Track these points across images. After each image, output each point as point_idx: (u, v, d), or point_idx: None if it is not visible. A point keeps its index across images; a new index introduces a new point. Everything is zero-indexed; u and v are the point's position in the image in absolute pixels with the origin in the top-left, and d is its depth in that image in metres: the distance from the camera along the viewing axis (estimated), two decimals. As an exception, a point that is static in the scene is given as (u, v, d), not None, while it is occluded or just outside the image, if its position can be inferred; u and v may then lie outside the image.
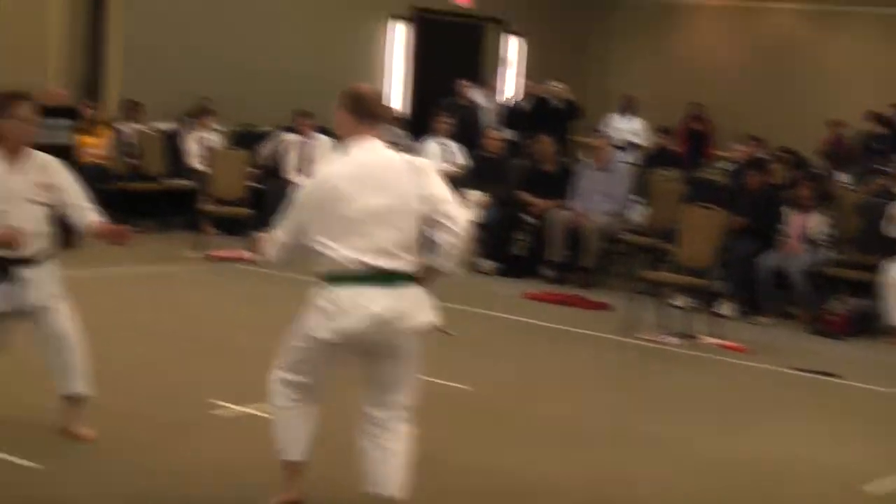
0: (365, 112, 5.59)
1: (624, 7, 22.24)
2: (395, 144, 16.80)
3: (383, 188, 5.45)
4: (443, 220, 5.47)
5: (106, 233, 6.72)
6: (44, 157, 6.74)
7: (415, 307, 5.53)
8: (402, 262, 5.47)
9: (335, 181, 5.46)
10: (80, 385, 6.84)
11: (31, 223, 6.58)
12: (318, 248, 5.47)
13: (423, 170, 5.59)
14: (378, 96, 5.77)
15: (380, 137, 5.64)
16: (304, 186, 5.62)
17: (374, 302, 5.42)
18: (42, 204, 6.64)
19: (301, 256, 5.67)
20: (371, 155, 5.56)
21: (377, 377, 5.64)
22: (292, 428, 5.76)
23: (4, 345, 6.80)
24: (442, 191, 5.54)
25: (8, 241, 6.49)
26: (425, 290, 5.58)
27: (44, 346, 6.81)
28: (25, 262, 6.59)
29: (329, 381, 5.78)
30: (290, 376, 5.69)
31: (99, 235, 6.74)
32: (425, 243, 5.57)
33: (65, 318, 6.79)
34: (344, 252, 5.40)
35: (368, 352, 5.59)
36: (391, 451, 5.63)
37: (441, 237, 5.49)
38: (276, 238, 5.68)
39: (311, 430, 5.80)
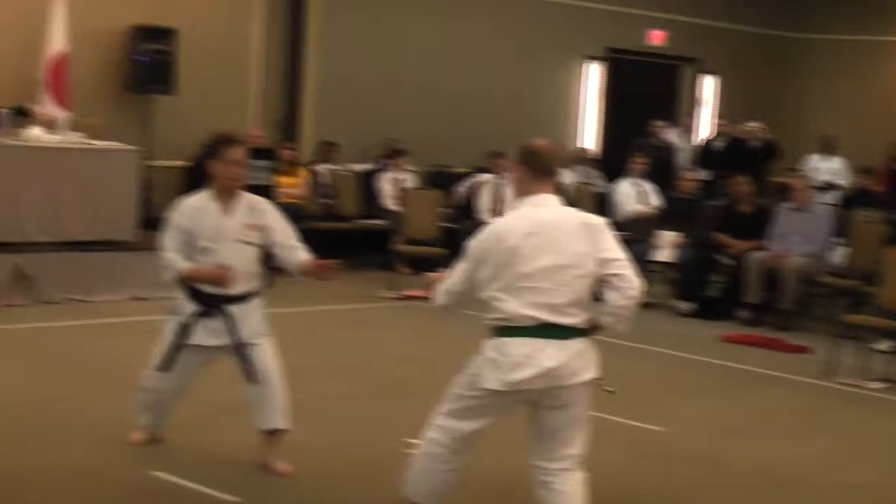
0: (540, 168, 5.64)
1: (822, 46, 21.86)
2: (589, 185, 16.89)
3: (559, 248, 5.49)
4: (616, 281, 5.51)
5: (315, 269, 6.85)
6: (254, 198, 6.95)
7: (582, 362, 5.57)
8: (572, 319, 5.51)
9: (514, 241, 5.48)
10: (279, 420, 6.95)
11: (241, 262, 6.80)
12: (490, 300, 5.52)
13: (598, 228, 5.61)
14: (553, 152, 5.76)
15: (554, 192, 5.67)
16: (481, 240, 5.62)
17: (545, 355, 5.46)
18: (251, 244, 6.84)
19: (469, 304, 5.75)
20: (547, 212, 5.59)
21: (545, 430, 5.64)
22: (430, 475, 5.82)
23: (192, 379, 7.04)
24: (616, 251, 5.58)
25: (218, 279, 6.73)
26: (590, 345, 5.62)
27: (247, 381, 6.96)
28: (234, 299, 6.79)
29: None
30: (450, 423, 5.73)
31: (309, 273, 6.88)
32: (596, 300, 5.60)
33: (268, 355, 6.95)
34: (516, 307, 5.45)
35: (535, 403, 5.60)
36: (567, 494, 5.61)
37: (613, 297, 5.52)
38: (448, 284, 5.74)
39: (448, 483, 5.83)
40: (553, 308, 5.46)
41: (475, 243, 5.62)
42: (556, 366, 5.45)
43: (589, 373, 5.59)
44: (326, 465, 7.18)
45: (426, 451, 5.80)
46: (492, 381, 5.51)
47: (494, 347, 5.53)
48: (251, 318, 6.91)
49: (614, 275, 5.50)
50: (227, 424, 7.77)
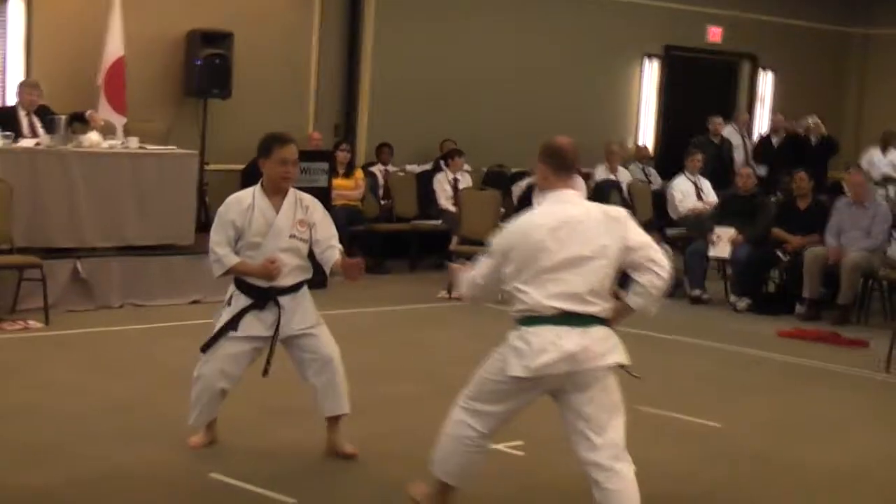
0: (562, 164, 5.82)
1: (881, 41, 21.78)
2: (646, 182, 16.86)
3: (584, 240, 5.64)
4: (648, 264, 5.67)
5: (344, 268, 7.05)
6: (303, 195, 7.16)
7: (606, 346, 5.68)
8: (594, 308, 5.65)
9: (539, 236, 5.62)
10: (344, 405, 7.14)
11: (290, 257, 7.04)
12: (514, 292, 5.67)
13: (620, 219, 5.74)
14: (574, 149, 5.89)
15: (574, 188, 5.86)
16: (506, 235, 5.77)
17: (567, 340, 5.58)
18: (301, 240, 7.03)
19: (493, 297, 5.95)
20: (570, 207, 5.73)
21: (577, 419, 5.71)
22: (458, 455, 5.98)
23: (240, 370, 7.19)
24: (642, 237, 5.73)
25: (266, 274, 6.95)
26: (613, 332, 5.76)
27: (307, 369, 7.15)
28: (285, 291, 7.00)
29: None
30: (476, 405, 5.87)
31: (341, 271, 7.08)
32: (627, 285, 5.76)
33: (327, 341, 7.14)
34: (538, 297, 5.59)
35: (561, 391, 5.71)
36: (619, 492, 5.65)
37: (645, 279, 5.68)
38: (473, 278, 5.91)
39: (475, 463, 6.02)
40: (575, 297, 5.59)
41: (500, 239, 5.77)
42: (578, 350, 5.57)
43: (613, 357, 5.69)
44: (385, 465, 7.23)
45: (454, 432, 5.95)
46: (516, 367, 5.64)
47: (518, 336, 5.66)
48: (304, 308, 7.11)
49: (644, 258, 5.66)
50: (281, 425, 7.88)
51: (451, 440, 5.97)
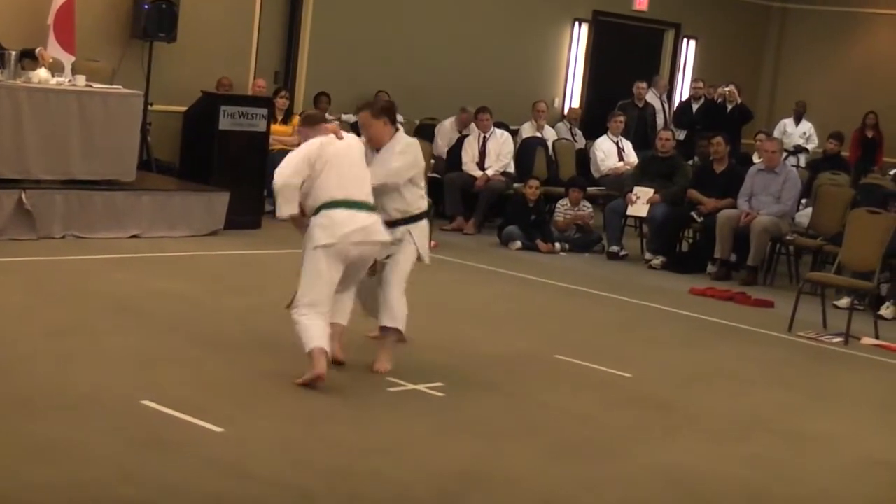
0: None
1: (801, 15, 22.37)
2: (571, 141, 17.37)
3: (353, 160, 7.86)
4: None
5: None
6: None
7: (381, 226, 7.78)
8: (369, 199, 7.78)
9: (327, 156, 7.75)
10: (387, 320, 8.18)
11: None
12: (314, 190, 7.69)
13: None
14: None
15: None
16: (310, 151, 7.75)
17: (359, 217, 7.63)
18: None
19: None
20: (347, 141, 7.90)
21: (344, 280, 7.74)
22: (313, 327, 7.49)
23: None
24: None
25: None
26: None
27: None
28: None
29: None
30: (308, 307, 7.53)
31: None
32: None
33: (396, 269, 8.19)
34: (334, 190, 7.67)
35: (351, 264, 7.67)
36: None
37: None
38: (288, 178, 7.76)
39: (326, 330, 7.59)
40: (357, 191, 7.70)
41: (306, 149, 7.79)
42: (368, 225, 7.63)
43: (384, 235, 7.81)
44: (309, 396, 7.57)
45: (302, 322, 7.59)
46: (325, 238, 7.53)
47: (323, 216, 7.58)
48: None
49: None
50: (217, 359, 8.18)
51: (301, 324, 7.57)
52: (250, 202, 13.54)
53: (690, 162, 15.26)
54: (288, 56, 16.17)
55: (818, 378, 9.88)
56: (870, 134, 19.73)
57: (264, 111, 13.79)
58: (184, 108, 13.98)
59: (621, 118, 17.15)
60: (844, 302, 12.03)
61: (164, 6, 14.16)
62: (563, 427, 7.58)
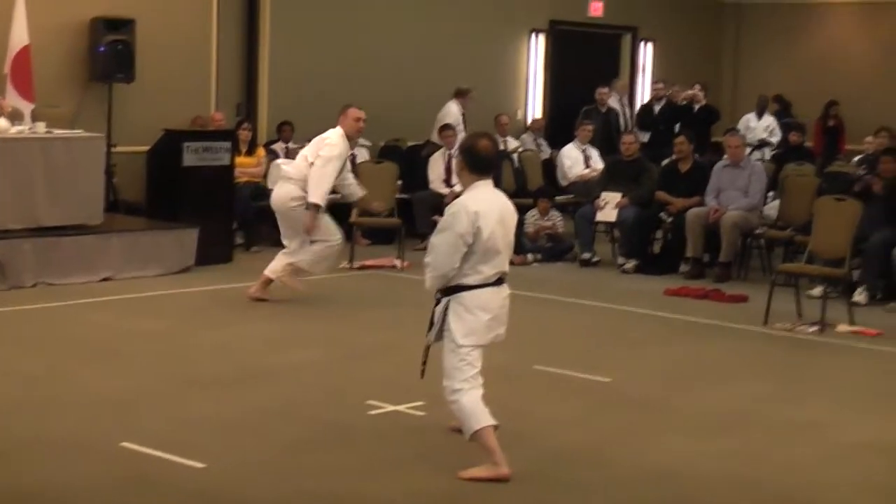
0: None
1: (756, 10, 22.52)
2: (537, 152, 17.41)
3: None
4: None
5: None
6: None
7: None
8: None
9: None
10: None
11: None
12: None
13: None
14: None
15: None
16: None
17: None
18: None
19: None
20: None
21: None
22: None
23: None
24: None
25: None
26: None
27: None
28: None
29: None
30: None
31: None
32: None
33: None
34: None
35: None
36: None
37: None
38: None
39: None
40: None
41: None
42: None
43: None
44: (291, 428, 7.59)
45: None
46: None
47: None
48: None
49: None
50: (196, 397, 8.19)
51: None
52: (220, 236, 13.55)
53: (665, 162, 15.28)
54: (248, 87, 16.16)
55: (797, 368, 9.94)
56: (831, 123, 19.84)
57: (227, 144, 13.81)
58: (147, 148, 13.98)
59: (589, 126, 17.26)
60: (818, 291, 12.08)
61: (119, 47, 14.17)
62: (548, 436, 7.61)
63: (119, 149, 14.27)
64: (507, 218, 6.68)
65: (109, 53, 14.14)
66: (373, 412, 7.97)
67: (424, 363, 6.85)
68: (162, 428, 7.45)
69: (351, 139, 11.59)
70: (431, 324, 6.72)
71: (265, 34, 16.18)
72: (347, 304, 11.79)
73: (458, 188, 15.29)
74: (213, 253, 13.24)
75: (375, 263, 13.82)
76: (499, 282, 6.67)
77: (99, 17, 14.22)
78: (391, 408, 8.03)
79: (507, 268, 6.72)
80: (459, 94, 16.87)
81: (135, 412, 7.76)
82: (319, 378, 8.86)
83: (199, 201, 13.43)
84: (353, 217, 14.51)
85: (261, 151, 15.30)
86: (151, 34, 14.59)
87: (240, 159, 14.58)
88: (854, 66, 21.33)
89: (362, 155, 15.97)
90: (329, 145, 11.34)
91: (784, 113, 20.22)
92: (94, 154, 12.83)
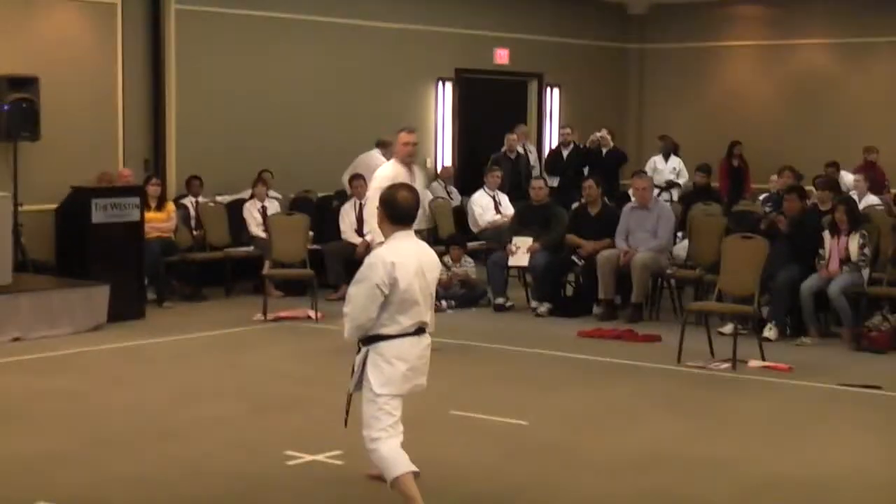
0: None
1: (658, 54, 22.83)
2: (447, 199, 17.45)
3: None
4: None
5: None
6: None
7: None
8: None
9: None
10: None
11: None
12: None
13: None
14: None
15: None
16: None
17: None
18: None
19: None
20: None
21: None
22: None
23: None
24: None
25: None
26: None
27: None
28: None
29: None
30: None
31: None
32: None
33: None
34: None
35: None
36: None
37: None
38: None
39: None
40: None
41: None
42: None
43: None
44: (209, 482, 7.56)
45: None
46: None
47: None
48: None
49: None
50: (111, 456, 8.15)
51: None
52: (131, 292, 13.44)
53: (575, 205, 15.40)
54: (156, 142, 16.07)
55: (711, 405, 10.02)
56: (735, 163, 20.10)
57: (136, 200, 13.72)
58: (55, 206, 13.87)
59: (498, 173, 17.40)
60: (728, 328, 12.22)
61: (24, 105, 14.04)
62: (467, 481, 7.62)
63: (26, 207, 14.11)
64: (427, 269, 6.66)
65: (14, 112, 14.01)
66: (291, 462, 7.94)
67: (348, 412, 6.81)
68: (77, 487, 7.38)
69: (403, 163, 11.70)
70: (353, 373, 6.71)
71: (171, 89, 16.12)
72: (262, 356, 11.74)
73: (369, 237, 15.37)
74: (125, 309, 13.13)
75: (290, 315, 13.78)
76: (418, 332, 6.65)
77: (2, 76, 14.11)
78: (309, 458, 8.00)
79: (427, 318, 6.69)
80: (381, 145, 16.88)
81: (49, 471, 7.67)
82: (236, 431, 8.80)
83: (109, 258, 13.33)
84: (266, 269, 14.49)
85: (170, 206, 15.21)
86: (56, 91, 14.52)
87: (149, 214, 14.46)
88: (755, 107, 21.72)
89: (273, 207, 15.94)
90: (375, 177, 11.65)
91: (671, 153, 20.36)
92: (1, 214, 12.71)
